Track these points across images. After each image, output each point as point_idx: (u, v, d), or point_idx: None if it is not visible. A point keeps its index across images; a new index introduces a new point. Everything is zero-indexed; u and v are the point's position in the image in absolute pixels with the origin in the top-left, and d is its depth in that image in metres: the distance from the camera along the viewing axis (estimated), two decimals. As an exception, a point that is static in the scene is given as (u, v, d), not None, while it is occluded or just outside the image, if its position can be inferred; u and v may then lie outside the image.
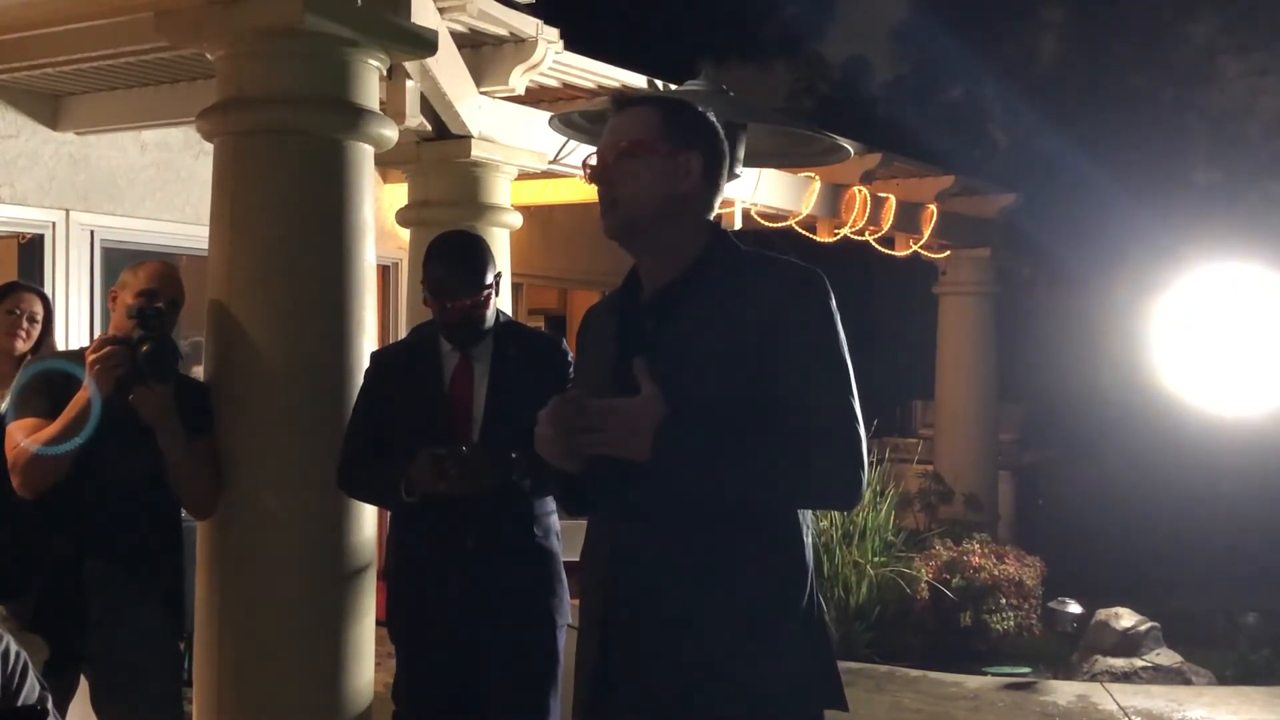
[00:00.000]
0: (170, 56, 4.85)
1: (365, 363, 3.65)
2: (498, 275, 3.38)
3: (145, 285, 3.40)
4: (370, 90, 3.84)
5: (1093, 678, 6.95)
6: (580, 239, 8.67)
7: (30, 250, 6.02)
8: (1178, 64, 12.02)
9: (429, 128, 5.27)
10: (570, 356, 3.33)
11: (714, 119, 2.27)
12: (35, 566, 3.33)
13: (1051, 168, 10.84)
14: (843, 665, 6.61)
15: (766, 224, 7.71)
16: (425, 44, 4.01)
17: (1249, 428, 8.12)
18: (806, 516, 2.21)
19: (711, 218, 2.28)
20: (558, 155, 5.78)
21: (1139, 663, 7.10)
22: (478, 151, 5.34)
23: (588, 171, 2.24)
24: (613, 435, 2.06)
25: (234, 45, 3.72)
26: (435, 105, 5.13)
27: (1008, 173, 10.86)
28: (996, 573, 7.59)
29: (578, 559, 2.36)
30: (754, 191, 7.10)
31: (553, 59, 5.35)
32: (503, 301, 3.50)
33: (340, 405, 3.63)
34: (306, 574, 3.68)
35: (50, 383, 3.32)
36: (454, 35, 5.03)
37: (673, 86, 5.39)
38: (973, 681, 6.64)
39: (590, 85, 5.95)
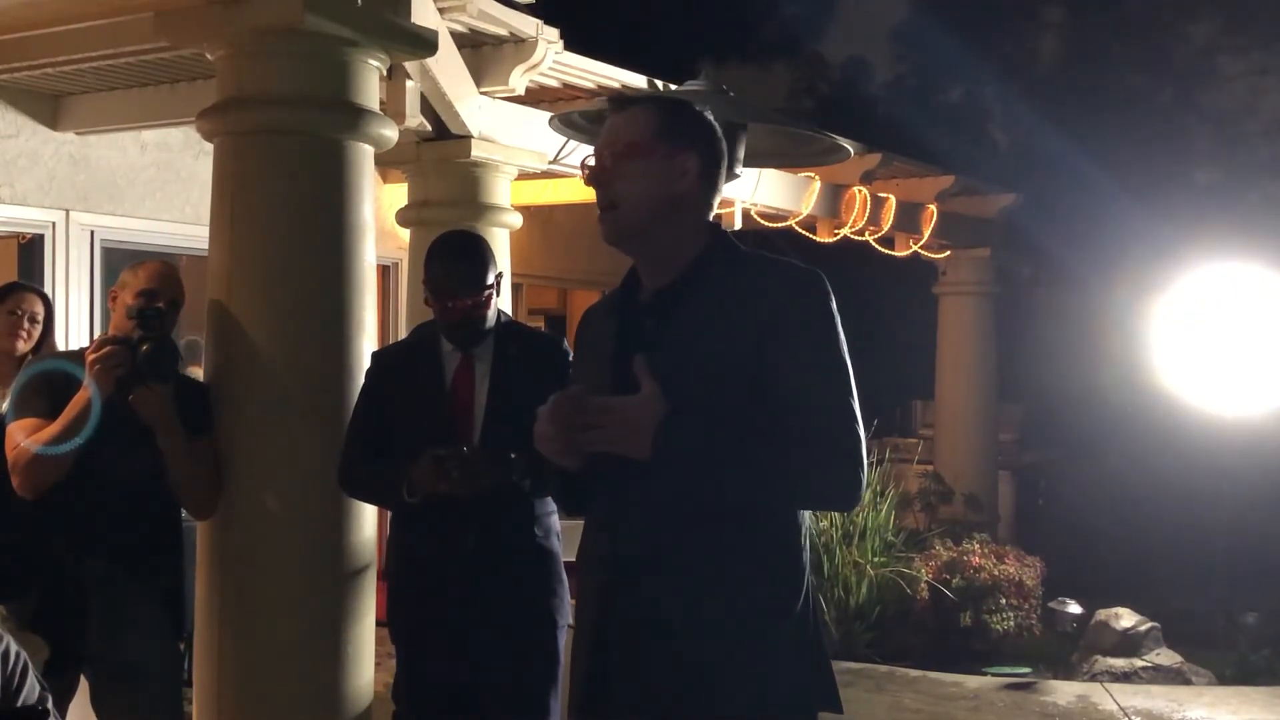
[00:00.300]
0: (170, 56, 4.85)
1: (365, 363, 3.65)
2: (499, 275, 3.38)
3: (145, 285, 3.40)
4: (370, 90, 3.84)
5: (1093, 678, 6.95)
6: (580, 239, 8.67)
7: (30, 250, 6.02)
8: (1178, 64, 12.02)
9: (429, 128, 5.27)
10: (571, 357, 3.33)
11: (711, 119, 2.26)
12: (35, 566, 3.33)
13: (1051, 168, 10.83)
14: (843, 665, 6.69)
15: (766, 224, 7.71)
16: (425, 44, 4.01)
17: (1249, 428, 8.11)
18: (804, 517, 2.21)
19: (711, 218, 2.27)
20: (558, 155, 5.78)
21: (1139, 663, 7.10)
22: (478, 151, 5.34)
23: (585, 174, 2.24)
24: (612, 433, 2.06)
25: (234, 45, 3.72)
26: (435, 105, 5.13)
27: (1008, 173, 10.86)
28: (996, 573, 7.59)
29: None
30: (754, 191, 7.10)
31: (553, 59, 5.35)
32: (503, 302, 3.50)
33: (340, 405, 3.64)
34: (306, 574, 3.68)
35: (50, 383, 3.32)
36: (454, 35, 5.03)
37: (673, 86, 5.38)
38: (973, 681, 6.64)
39: (590, 85, 5.95)
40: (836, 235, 8.33)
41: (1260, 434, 8.37)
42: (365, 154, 3.83)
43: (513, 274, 5.80)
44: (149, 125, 6.09)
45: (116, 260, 5.92)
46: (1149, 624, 7.32)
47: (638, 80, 5.93)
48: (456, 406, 3.32)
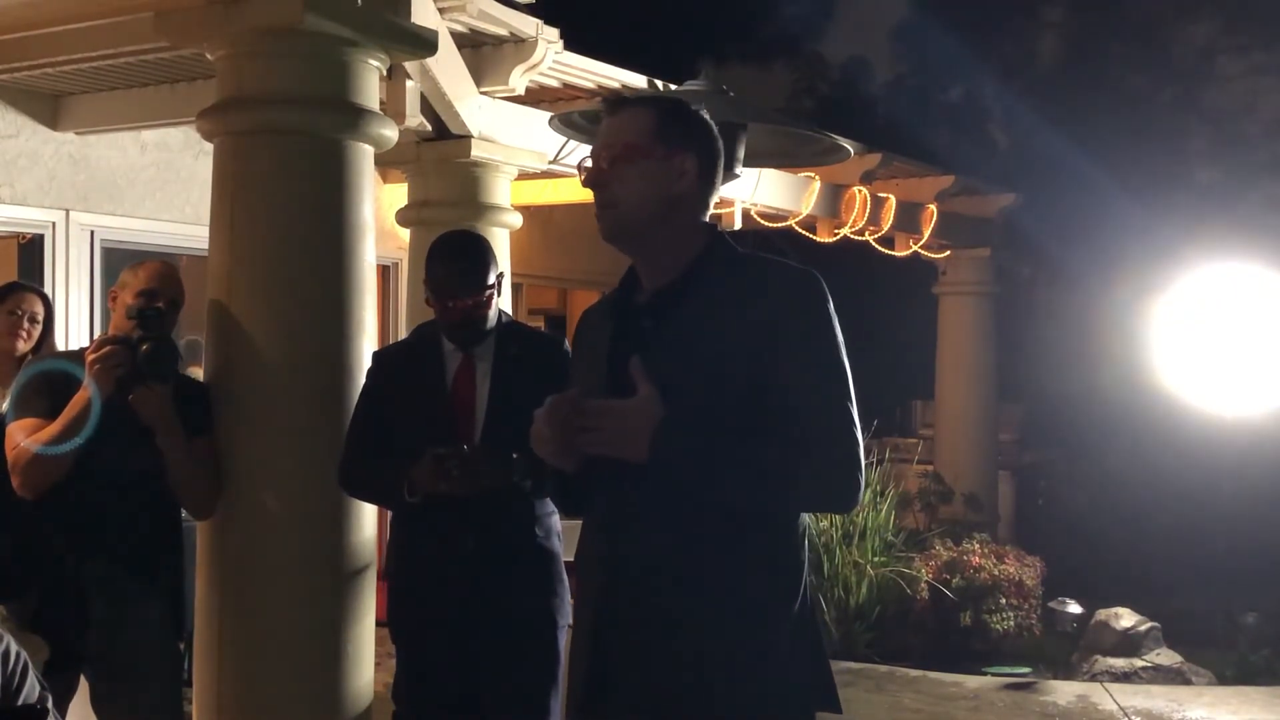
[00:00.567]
0: (170, 56, 4.85)
1: (365, 363, 3.65)
2: (500, 275, 3.38)
3: (145, 285, 3.40)
4: (370, 90, 3.84)
5: (1093, 678, 6.96)
6: (580, 239, 8.67)
7: (30, 250, 6.03)
8: (1178, 64, 12.02)
9: (429, 128, 5.27)
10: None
11: (708, 118, 2.26)
12: (35, 566, 3.33)
13: (1051, 168, 10.83)
14: (843, 665, 6.69)
15: (766, 224, 7.71)
16: (425, 44, 4.01)
17: (1249, 428, 8.11)
18: (803, 517, 2.21)
19: (708, 217, 2.27)
20: (558, 155, 5.78)
21: (1139, 663, 7.10)
22: (478, 151, 5.34)
23: (583, 175, 2.24)
24: (609, 435, 2.06)
25: (234, 45, 3.72)
26: (435, 105, 5.13)
27: (1008, 173, 10.85)
28: (996, 573, 7.59)
29: (578, 559, 2.36)
30: (754, 191, 7.10)
31: (553, 59, 5.35)
32: (503, 302, 3.51)
33: (340, 405, 3.64)
34: (306, 574, 3.68)
35: (50, 383, 3.32)
36: (454, 35, 5.03)
37: (673, 86, 5.38)
38: (973, 681, 6.64)
39: (590, 85, 5.95)
40: (836, 235, 8.33)
41: (1260, 434, 8.37)
42: (365, 154, 3.82)
43: (513, 274, 5.80)
44: (149, 125, 6.09)
45: (116, 260, 5.92)
46: (1149, 624, 7.32)
47: (638, 80, 5.93)
48: (457, 406, 3.32)
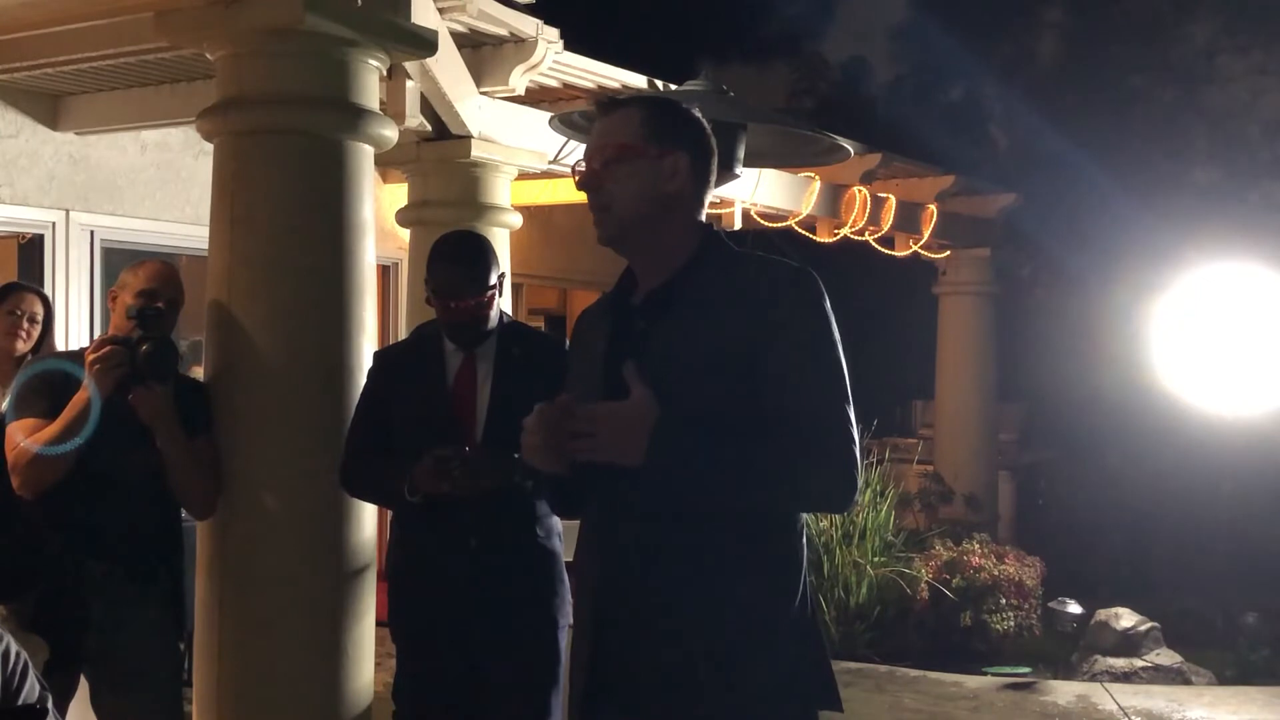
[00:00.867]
0: (170, 56, 4.85)
1: (366, 363, 3.65)
2: (501, 276, 3.39)
3: (145, 285, 3.40)
4: (370, 90, 3.84)
5: (1093, 678, 6.96)
6: (580, 239, 8.67)
7: (30, 250, 6.03)
8: (1178, 64, 12.00)
9: (429, 128, 5.27)
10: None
11: (700, 116, 2.25)
12: (35, 566, 3.33)
13: (1051, 168, 10.81)
14: (843, 665, 6.69)
15: (766, 224, 7.71)
16: (425, 44, 4.01)
17: (1249, 428, 8.11)
18: (801, 516, 2.21)
19: (703, 216, 2.27)
20: (558, 155, 5.78)
21: (1139, 663, 7.10)
22: (478, 151, 5.34)
23: (576, 178, 2.24)
24: (603, 440, 2.04)
25: (234, 45, 3.72)
26: (435, 105, 5.13)
27: (1008, 173, 10.85)
28: (996, 573, 7.59)
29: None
30: (754, 191, 7.10)
31: (553, 59, 5.36)
32: (503, 302, 3.51)
33: (340, 405, 3.64)
34: (306, 574, 3.68)
35: (50, 383, 3.32)
36: (454, 35, 5.03)
37: (673, 86, 5.39)
38: (973, 681, 6.65)
39: (590, 85, 5.95)
40: (836, 235, 8.33)
41: (1260, 434, 8.37)
42: (365, 154, 3.83)
43: (513, 274, 5.81)
44: (149, 125, 6.09)
45: (116, 260, 5.92)
46: (1149, 624, 7.32)
47: (638, 80, 5.93)
48: (458, 406, 3.31)
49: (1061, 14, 13.51)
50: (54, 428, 3.22)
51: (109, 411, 3.22)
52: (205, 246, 3.83)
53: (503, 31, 5.20)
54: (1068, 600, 7.82)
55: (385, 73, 4.11)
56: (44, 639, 3.23)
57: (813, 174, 7.63)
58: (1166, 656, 7.18)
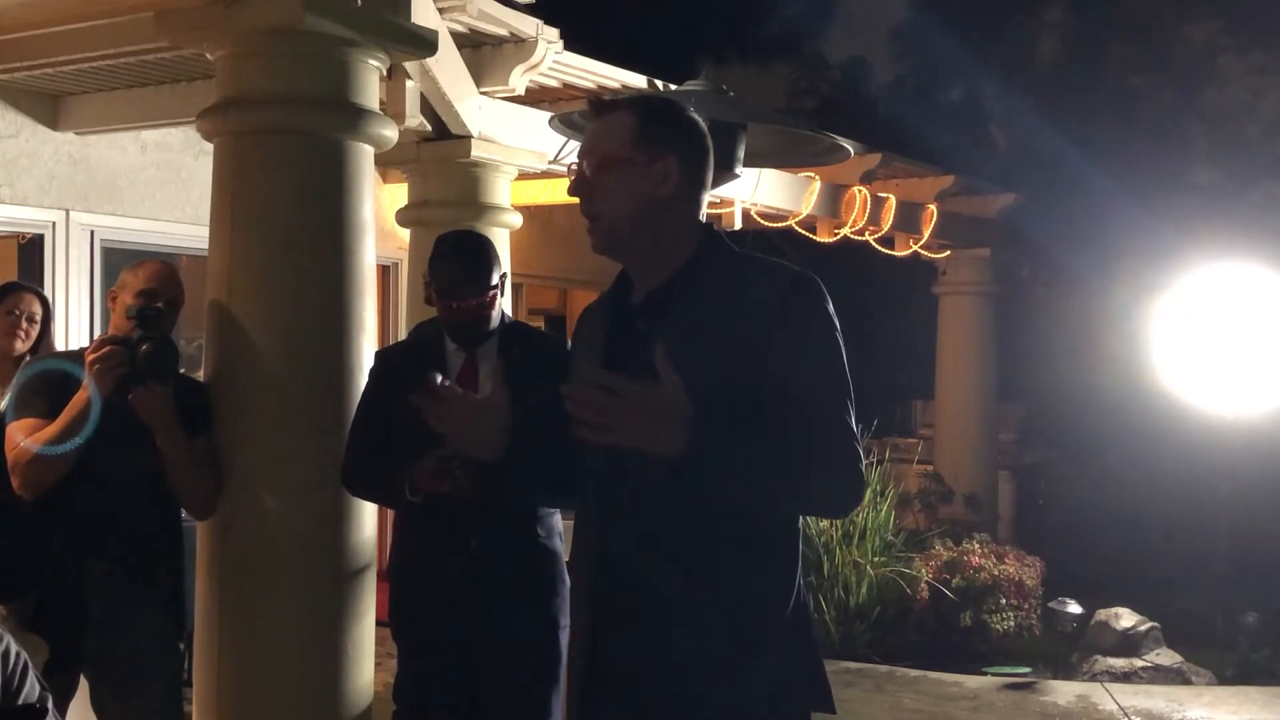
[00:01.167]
0: (170, 56, 4.85)
1: (366, 363, 3.65)
2: (503, 275, 3.39)
3: (145, 285, 3.40)
4: (370, 90, 3.84)
5: (1093, 678, 6.96)
6: (580, 239, 8.50)
7: (30, 250, 6.03)
8: (1178, 64, 12.00)
9: (429, 128, 5.27)
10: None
11: (694, 116, 2.22)
12: (35, 566, 3.33)
13: (1051, 168, 10.82)
14: (843, 665, 6.69)
15: (766, 224, 7.71)
16: (425, 44, 4.01)
17: (1249, 428, 8.11)
18: (798, 518, 2.20)
19: (703, 216, 2.25)
20: (558, 155, 5.78)
21: (1139, 663, 7.10)
22: (478, 151, 5.34)
23: (570, 186, 2.22)
24: (638, 424, 1.92)
25: (234, 45, 3.72)
26: (435, 105, 5.13)
27: (1008, 173, 10.85)
28: (996, 573, 7.59)
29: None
30: (754, 191, 7.10)
31: (553, 59, 5.36)
32: (504, 302, 3.51)
33: (340, 405, 3.64)
34: (306, 574, 3.68)
35: (50, 383, 3.32)
36: (454, 35, 5.03)
37: (673, 86, 5.38)
38: (973, 681, 6.65)
39: (590, 85, 5.95)
40: (836, 235, 8.33)
41: (1260, 434, 8.36)
42: (365, 154, 3.82)
43: (513, 274, 5.81)
44: (149, 125, 6.09)
45: (116, 260, 5.92)
46: (1149, 624, 7.32)
47: (638, 80, 5.94)
48: (459, 406, 3.31)
49: (1061, 14, 13.51)
50: (54, 428, 3.22)
51: (109, 411, 3.22)
52: (205, 246, 3.83)
53: (503, 31, 5.20)
54: (1068, 600, 7.82)
55: (385, 73, 4.11)
56: (44, 639, 3.23)
57: (813, 174, 7.63)
58: (1166, 656, 7.18)
